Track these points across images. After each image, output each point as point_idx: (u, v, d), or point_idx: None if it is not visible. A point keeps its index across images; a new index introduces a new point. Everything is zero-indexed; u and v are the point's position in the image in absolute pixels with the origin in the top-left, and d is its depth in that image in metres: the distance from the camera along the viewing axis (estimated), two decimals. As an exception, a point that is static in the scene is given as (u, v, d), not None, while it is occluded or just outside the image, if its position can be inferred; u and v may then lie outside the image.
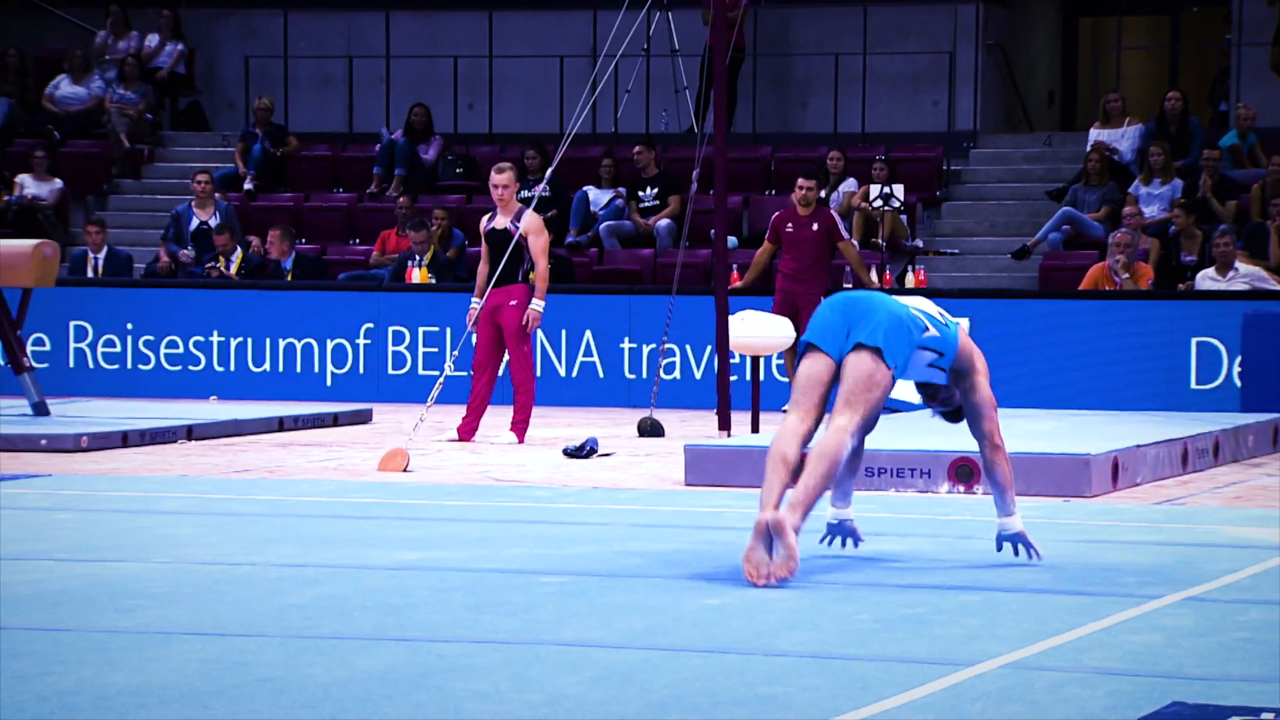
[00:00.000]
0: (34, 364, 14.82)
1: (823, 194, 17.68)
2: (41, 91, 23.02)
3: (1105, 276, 16.76)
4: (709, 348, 16.32)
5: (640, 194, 19.86)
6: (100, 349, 18.06)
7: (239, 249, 19.15)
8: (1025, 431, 12.15)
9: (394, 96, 22.64)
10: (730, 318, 13.74)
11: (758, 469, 10.91)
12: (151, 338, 17.96)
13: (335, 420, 15.27)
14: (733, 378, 14.45)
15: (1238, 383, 15.40)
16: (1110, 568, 7.87)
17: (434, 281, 18.15)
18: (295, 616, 6.65)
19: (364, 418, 15.57)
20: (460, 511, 9.86)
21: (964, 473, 10.61)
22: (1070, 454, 10.76)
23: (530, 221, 13.69)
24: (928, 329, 7.59)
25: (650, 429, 14.27)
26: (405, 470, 11.85)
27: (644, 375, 16.88)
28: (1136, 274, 16.73)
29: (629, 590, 7.27)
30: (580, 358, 17.27)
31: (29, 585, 7.25)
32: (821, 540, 8.09)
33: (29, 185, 21.31)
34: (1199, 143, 19.36)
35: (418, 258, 18.40)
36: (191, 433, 13.82)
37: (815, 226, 16.18)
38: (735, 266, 16.67)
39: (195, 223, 19.74)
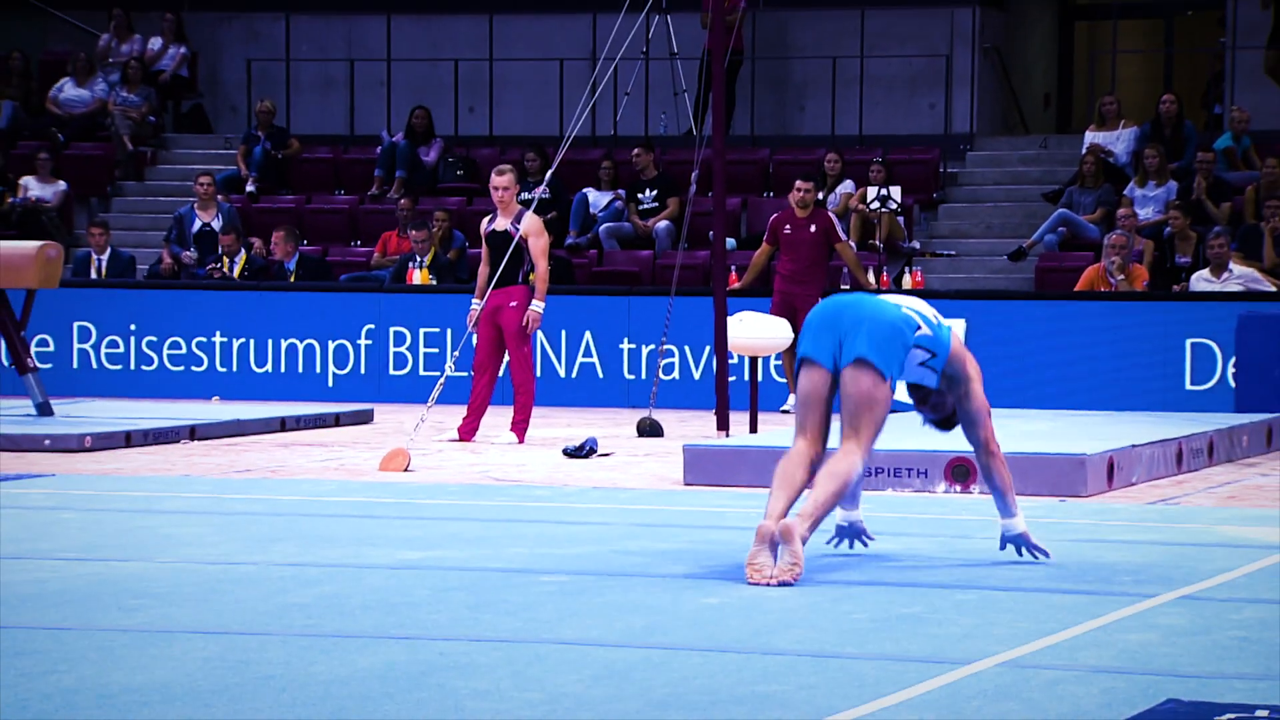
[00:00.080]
0: (38, 364, 14.85)
1: (820, 196, 17.71)
2: (45, 94, 23.05)
3: (1100, 278, 16.80)
4: (707, 348, 16.35)
5: (639, 196, 19.89)
6: (103, 350, 18.09)
7: (243, 250, 19.19)
8: (1021, 431, 12.19)
9: (395, 99, 22.67)
10: (729, 319, 13.77)
11: (756, 469, 11.02)
12: (154, 338, 18.00)
13: (337, 420, 15.30)
14: (731, 378, 14.48)
15: (1232, 383, 15.43)
16: (1105, 567, 7.90)
17: (435, 283, 18.18)
18: (297, 615, 6.68)
19: (365, 418, 15.60)
20: (461, 511, 9.89)
21: (960, 472, 10.65)
22: (1066, 454, 10.80)
23: (530, 223, 13.73)
24: (920, 327, 7.58)
25: (649, 429, 14.31)
26: (406, 470, 11.88)
27: (643, 376, 16.92)
28: (1132, 275, 16.77)
29: (628, 589, 7.30)
30: (580, 358, 17.31)
31: (32, 584, 7.27)
32: (829, 541, 8.13)
33: (33, 187, 21.35)
34: (1193, 145, 19.40)
35: (419, 259, 18.44)
36: (194, 433, 13.86)
37: (813, 228, 16.22)
38: (734, 268, 16.71)
39: (198, 224, 19.78)
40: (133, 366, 18.01)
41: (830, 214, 16.75)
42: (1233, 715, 5.14)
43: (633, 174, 20.06)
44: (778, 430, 13.19)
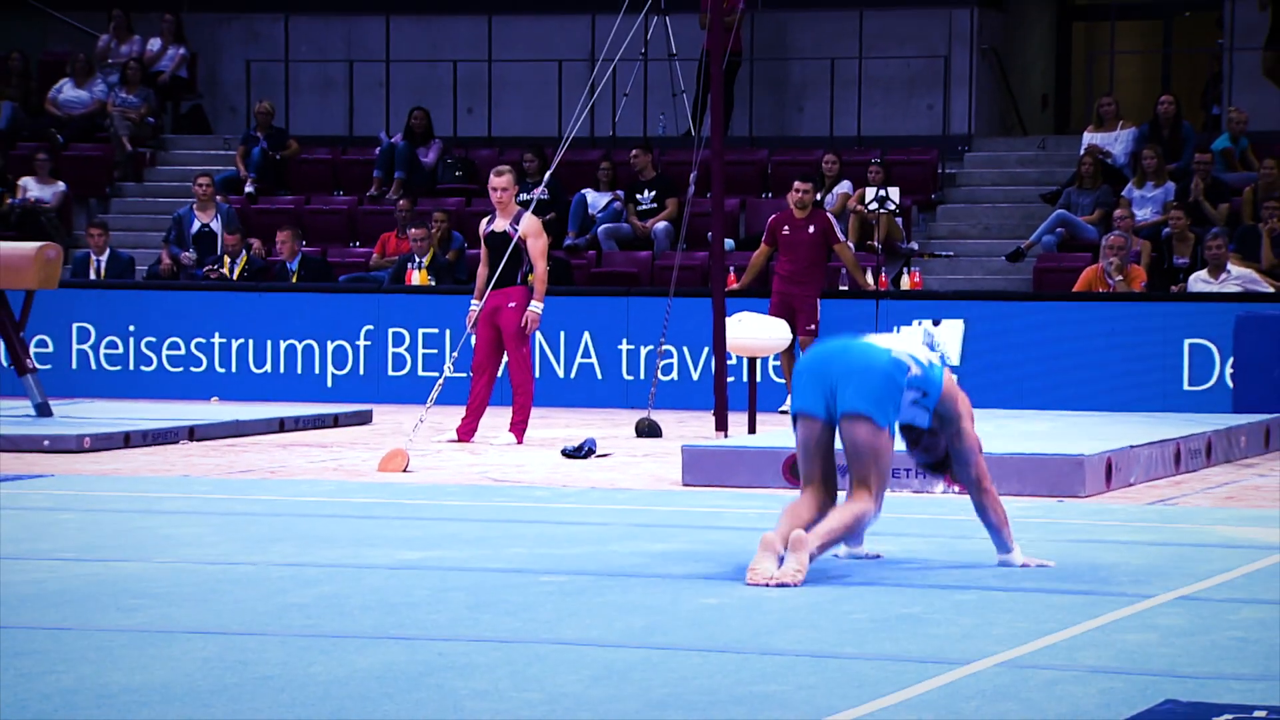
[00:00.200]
0: (37, 365, 14.86)
1: (818, 196, 17.73)
2: (44, 95, 23.06)
3: (1099, 279, 16.81)
4: (706, 349, 16.36)
5: (638, 197, 19.90)
6: (102, 350, 18.10)
7: (244, 251, 19.21)
8: (1019, 432, 12.20)
9: (394, 100, 22.68)
10: (727, 319, 13.78)
11: (755, 469, 11.04)
12: (153, 339, 18.01)
13: (336, 421, 15.31)
14: (730, 379, 14.49)
15: (1230, 384, 15.44)
16: (1104, 567, 7.90)
17: (433, 283, 18.19)
18: (296, 615, 6.68)
19: (364, 419, 15.61)
20: (460, 511, 9.90)
21: (959, 474, 10.65)
22: (1064, 454, 10.81)
23: (529, 224, 13.74)
24: (910, 368, 7.53)
25: (648, 430, 14.32)
26: (405, 471, 11.89)
27: (642, 376, 16.93)
28: (1130, 276, 16.78)
29: (627, 589, 7.31)
30: (579, 359, 17.32)
31: (31, 585, 7.28)
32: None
33: (32, 188, 21.35)
34: (1191, 146, 19.41)
35: (417, 260, 18.45)
36: (193, 433, 13.87)
37: (811, 229, 16.23)
38: (732, 268, 16.72)
39: (197, 225, 19.79)
40: (132, 367, 18.02)
41: (829, 215, 16.76)
42: (1231, 716, 5.15)
43: (631, 175, 20.07)
44: (776, 431, 13.20)
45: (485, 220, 14.02)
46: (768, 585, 7.24)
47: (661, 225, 19.53)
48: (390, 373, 17.64)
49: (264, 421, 14.70)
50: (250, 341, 17.85)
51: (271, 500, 10.38)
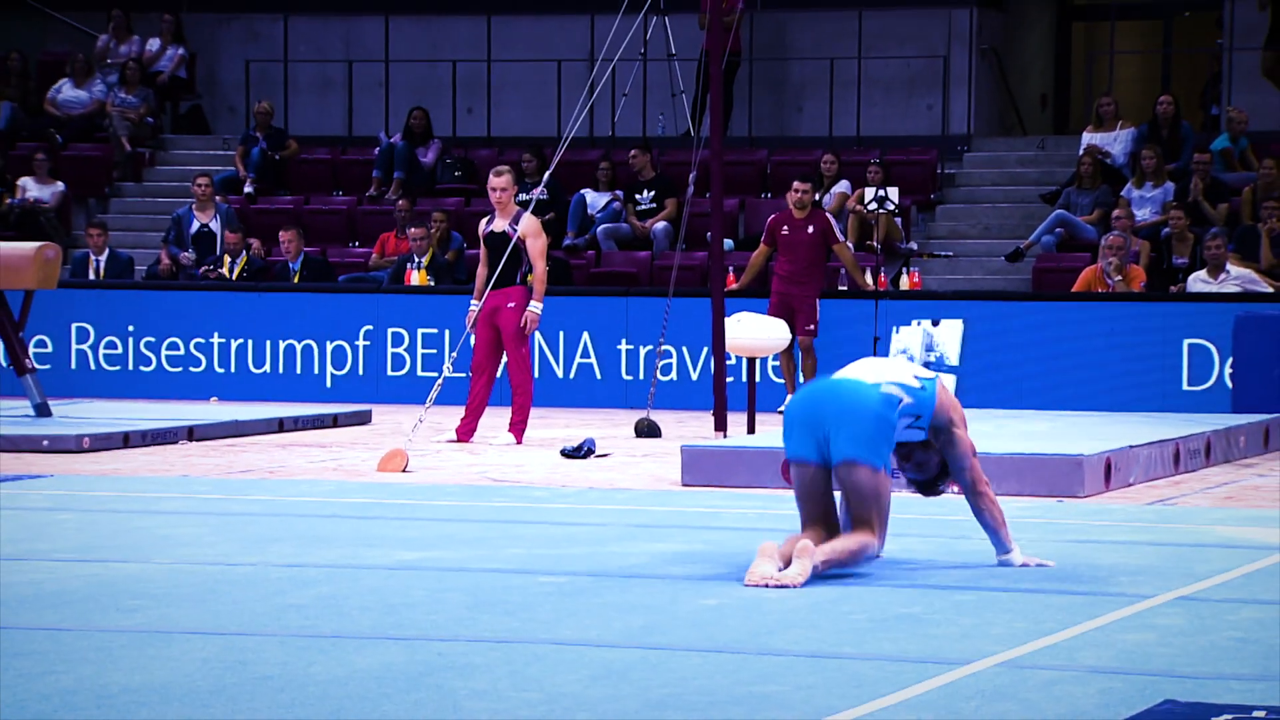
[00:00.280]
0: (36, 365, 14.86)
1: (816, 196, 17.73)
2: (43, 95, 23.07)
3: (1098, 279, 16.82)
4: (705, 349, 16.37)
5: (637, 197, 19.91)
6: (102, 350, 18.11)
7: (244, 252, 19.22)
8: (1018, 432, 12.21)
9: (393, 100, 22.69)
10: (726, 319, 13.79)
11: (754, 469, 11.04)
12: (152, 339, 18.02)
13: (335, 421, 15.31)
14: (729, 379, 14.50)
15: (1229, 384, 15.45)
16: (1103, 567, 7.91)
17: (433, 284, 18.20)
18: (294, 616, 6.69)
19: (363, 419, 15.61)
20: (459, 512, 9.90)
21: (958, 474, 10.66)
22: (1063, 454, 10.81)
23: (528, 224, 13.74)
24: (902, 399, 7.53)
25: (647, 430, 14.32)
26: (404, 471, 11.90)
27: (641, 376, 16.93)
28: (1129, 276, 16.79)
29: (626, 590, 7.31)
30: (578, 359, 17.32)
31: (30, 585, 7.28)
32: None
33: (31, 188, 21.36)
34: (1190, 146, 19.42)
35: (417, 260, 18.46)
36: (192, 434, 13.87)
37: (811, 229, 16.23)
38: (731, 269, 16.72)
39: (196, 225, 19.80)
40: (131, 367, 18.02)
41: (828, 215, 16.76)
42: (1230, 716, 5.15)
43: (630, 175, 20.08)
44: (775, 431, 13.18)
45: (484, 220, 14.02)
46: (767, 586, 7.24)
47: (661, 225, 19.54)
48: (389, 373, 17.65)
49: (263, 422, 14.71)
50: (249, 342, 17.86)
51: (270, 500, 10.39)
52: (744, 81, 21.86)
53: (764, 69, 22.30)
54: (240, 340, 17.87)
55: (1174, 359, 15.97)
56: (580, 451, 12.82)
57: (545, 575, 7.57)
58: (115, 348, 18.08)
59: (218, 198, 20.18)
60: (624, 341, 17.21)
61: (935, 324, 16.15)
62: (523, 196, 15.77)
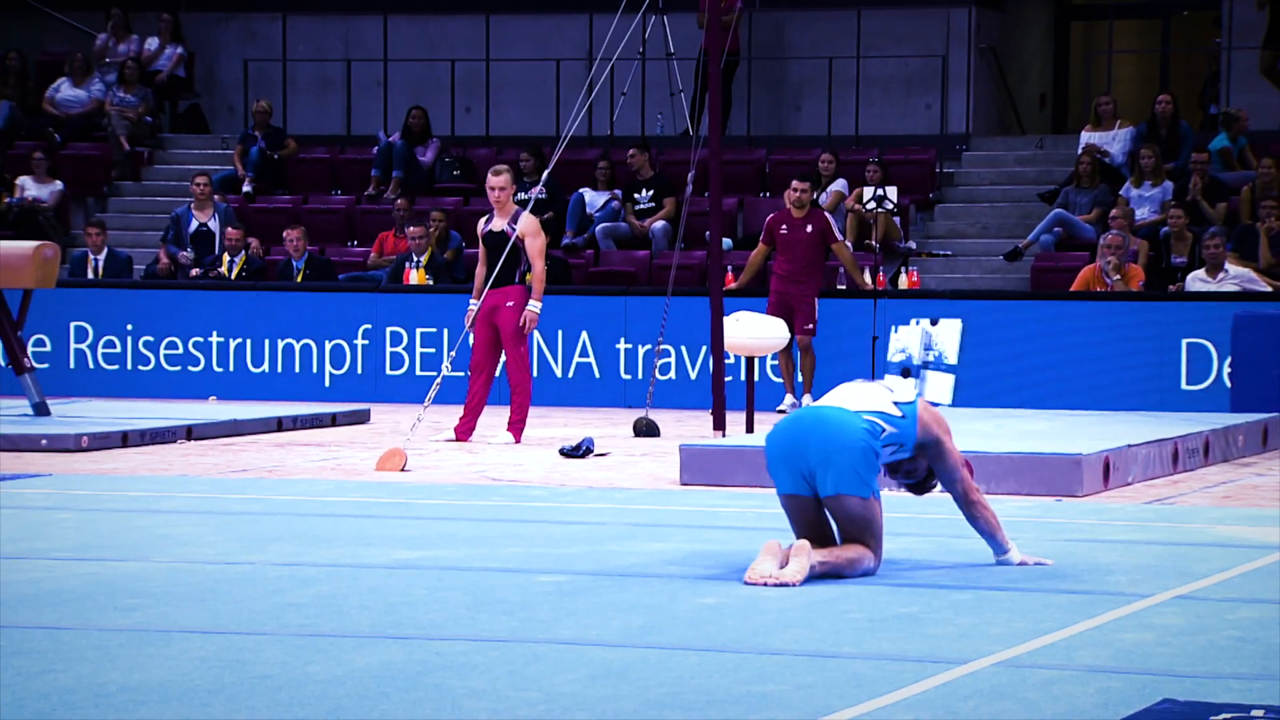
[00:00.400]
0: (35, 364, 14.86)
1: (814, 195, 17.74)
2: (42, 94, 23.07)
3: (1096, 278, 16.82)
4: (704, 348, 16.38)
5: (636, 196, 19.91)
6: (100, 350, 18.11)
7: (243, 251, 19.23)
8: (1017, 431, 12.21)
9: (392, 99, 22.69)
10: (725, 319, 13.79)
11: (753, 469, 11.03)
12: (151, 338, 18.02)
13: (333, 420, 15.31)
14: (728, 378, 14.50)
15: (1228, 383, 15.45)
16: (1101, 566, 7.91)
17: (431, 283, 18.20)
18: (293, 615, 6.69)
19: (362, 418, 15.61)
20: (457, 511, 9.90)
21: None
22: (1062, 454, 10.82)
23: (527, 223, 13.75)
24: (884, 429, 7.53)
25: (646, 429, 14.32)
26: (403, 470, 11.90)
27: (639, 376, 16.94)
28: (1127, 275, 16.79)
29: (625, 589, 7.31)
30: (576, 358, 17.32)
31: (29, 584, 7.28)
32: None
33: (30, 187, 21.36)
34: (1189, 145, 19.42)
35: (415, 259, 18.46)
36: (191, 433, 13.87)
37: (809, 228, 16.25)
38: (730, 268, 16.72)
39: (194, 224, 19.80)
40: (129, 366, 18.02)
41: (827, 214, 16.77)
42: (1228, 715, 5.16)
43: (629, 174, 20.08)
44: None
45: (483, 219, 14.02)
46: (766, 584, 7.25)
47: (659, 224, 19.54)
48: (388, 372, 17.65)
49: (262, 421, 14.71)
50: (248, 341, 17.86)
51: (269, 500, 10.39)
52: (742, 81, 21.86)
53: (762, 68, 22.30)
54: (239, 339, 17.87)
55: (1172, 358, 15.98)
56: (579, 451, 12.82)
57: (544, 574, 7.57)
58: (114, 347, 18.08)
59: (216, 197, 20.18)
60: (622, 341, 17.22)
61: (934, 323, 16.15)
62: (521, 196, 15.77)
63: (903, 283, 17.52)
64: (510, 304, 13.71)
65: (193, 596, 7.08)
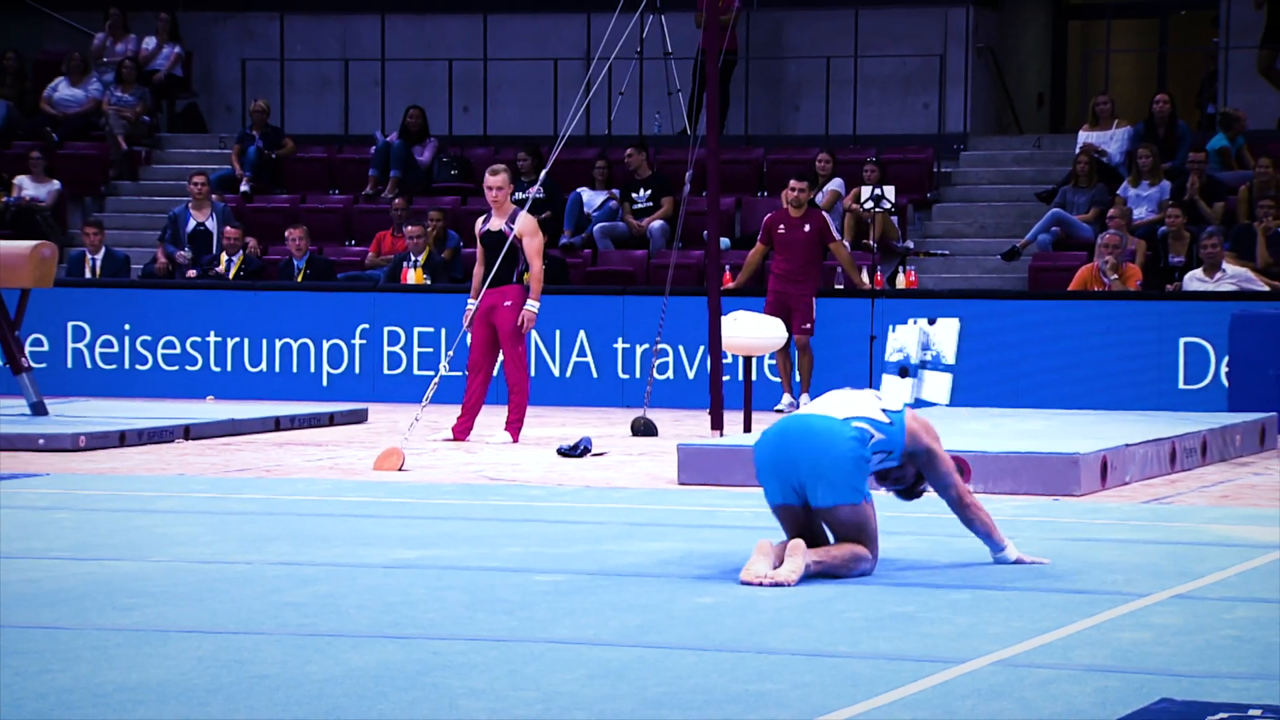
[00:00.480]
0: (32, 364, 14.86)
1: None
2: (39, 94, 23.07)
3: (1094, 277, 16.82)
4: (702, 348, 16.38)
5: (634, 195, 19.91)
6: (98, 349, 18.10)
7: (241, 250, 19.22)
8: (1014, 431, 12.22)
9: (389, 99, 22.69)
10: (723, 318, 13.79)
11: (750, 468, 10.99)
12: (149, 338, 18.01)
13: (331, 420, 15.31)
14: (725, 378, 14.50)
15: (1225, 383, 15.45)
16: (1099, 566, 7.92)
17: (429, 282, 18.20)
18: (292, 614, 6.69)
19: (360, 417, 15.61)
20: (455, 510, 9.91)
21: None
22: (1059, 453, 10.82)
23: (525, 223, 13.75)
24: (872, 436, 7.53)
25: (643, 428, 14.33)
26: (401, 469, 11.90)
27: (637, 375, 16.94)
28: (1125, 275, 16.79)
29: (623, 588, 7.32)
30: (574, 358, 17.32)
31: (27, 584, 7.28)
32: None
33: (27, 187, 21.35)
34: (1187, 145, 19.42)
35: (413, 258, 18.46)
36: (188, 432, 13.87)
37: (807, 228, 16.25)
38: (728, 267, 16.73)
39: (192, 224, 19.80)
40: (127, 366, 18.02)
41: (824, 214, 16.78)
42: (1226, 714, 5.16)
43: (627, 174, 20.08)
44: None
45: (481, 219, 14.03)
46: (762, 584, 7.26)
47: (657, 224, 19.54)
48: (386, 371, 17.65)
49: (259, 420, 14.71)
50: (245, 340, 17.85)
51: (267, 499, 10.39)
52: (740, 80, 21.86)
53: (760, 67, 22.30)
54: (236, 339, 17.87)
55: (1170, 357, 15.99)
56: (577, 450, 12.83)
57: (542, 574, 7.58)
58: (111, 346, 18.07)
59: (214, 196, 20.18)
60: (620, 340, 17.22)
61: (931, 322, 16.16)
62: (519, 195, 15.78)
63: (900, 282, 17.52)
64: (508, 303, 13.71)
65: (190, 596, 7.08)
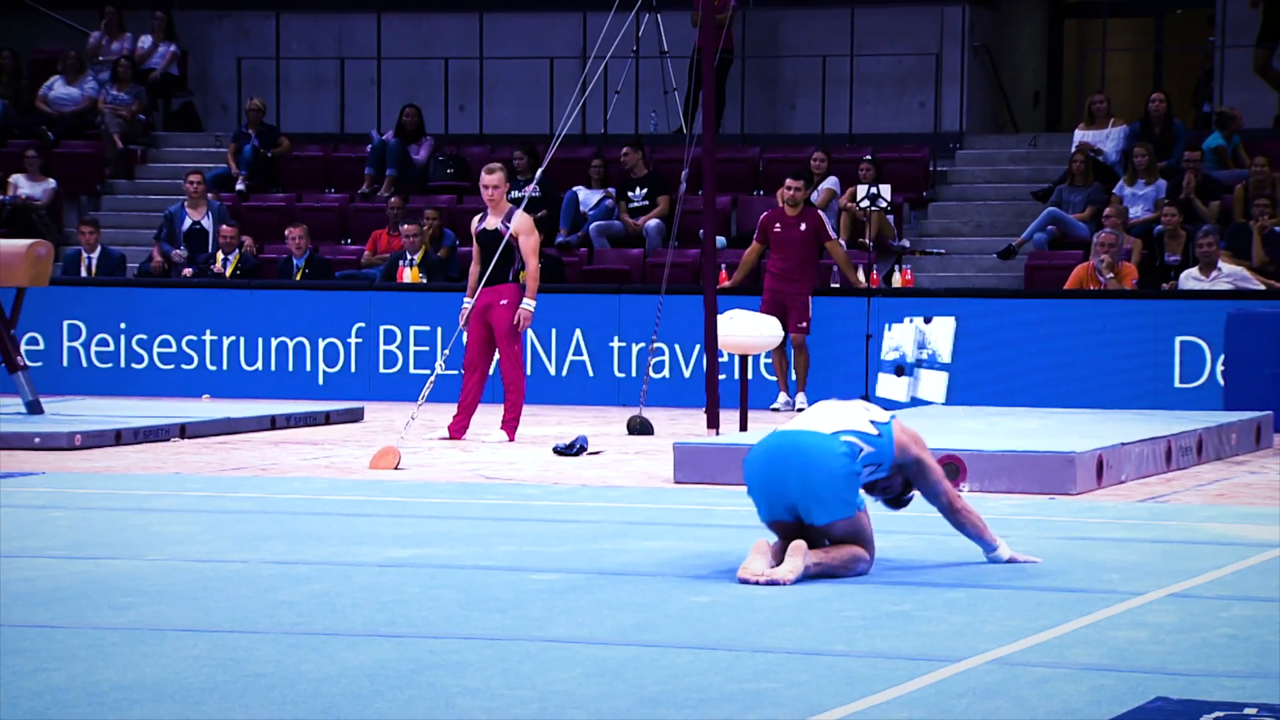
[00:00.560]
0: (28, 363, 14.85)
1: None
2: (35, 92, 23.05)
3: (1090, 276, 16.83)
4: (697, 347, 16.37)
5: (629, 194, 19.91)
6: (94, 348, 18.09)
7: (237, 249, 19.22)
8: (1011, 430, 12.22)
9: (385, 97, 22.68)
10: (719, 317, 13.79)
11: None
12: (144, 337, 18.01)
13: (327, 419, 15.31)
14: (721, 376, 14.50)
15: (1221, 381, 15.47)
16: (1095, 565, 7.92)
17: (425, 281, 18.20)
18: (287, 613, 6.69)
19: (356, 416, 15.61)
20: (451, 509, 9.91)
21: (949, 471, 10.66)
22: (1055, 452, 10.82)
23: (521, 222, 13.75)
24: (862, 449, 7.52)
25: (639, 427, 14.32)
26: (396, 468, 11.90)
27: (633, 374, 16.93)
28: (1121, 274, 16.80)
29: (619, 587, 7.32)
30: (570, 356, 17.32)
31: (23, 582, 7.28)
32: None
33: (23, 185, 21.34)
34: (1182, 144, 19.43)
35: (409, 257, 18.46)
36: (184, 431, 13.86)
37: (803, 226, 16.26)
38: (724, 266, 16.72)
39: (188, 223, 19.79)
40: (123, 364, 18.01)
41: (820, 212, 16.78)
42: (1221, 713, 5.16)
43: (623, 172, 20.07)
44: (768, 428, 13.20)
45: (477, 218, 14.02)
46: (759, 583, 7.26)
47: (653, 223, 19.54)
48: (382, 370, 17.64)
49: (255, 419, 14.70)
50: (241, 339, 17.85)
51: (262, 498, 10.39)
52: (736, 79, 21.86)
53: (756, 66, 22.30)
54: (232, 338, 17.86)
55: (1166, 356, 15.99)
56: (572, 449, 12.82)
57: (537, 573, 7.58)
58: (107, 345, 18.07)
59: (210, 195, 20.17)
60: (616, 339, 17.21)
61: (927, 321, 16.16)
62: (515, 194, 15.78)
63: (896, 281, 17.52)
64: (504, 302, 13.71)
65: (186, 595, 7.08)
